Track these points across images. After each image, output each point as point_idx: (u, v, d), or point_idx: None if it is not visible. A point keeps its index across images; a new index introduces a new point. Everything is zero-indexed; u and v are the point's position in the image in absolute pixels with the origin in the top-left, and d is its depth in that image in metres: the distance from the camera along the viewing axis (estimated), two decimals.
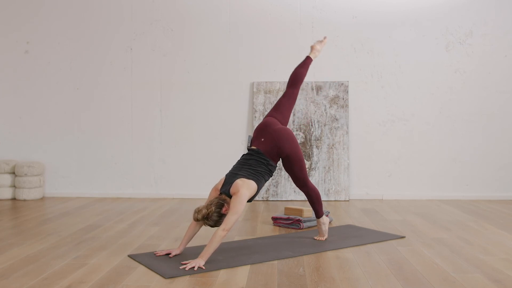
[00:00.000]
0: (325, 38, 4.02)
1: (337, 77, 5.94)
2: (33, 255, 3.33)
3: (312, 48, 3.95)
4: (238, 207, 3.12)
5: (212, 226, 3.22)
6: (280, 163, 4.55)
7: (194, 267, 2.97)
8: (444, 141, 5.91)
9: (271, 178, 3.57)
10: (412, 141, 5.92)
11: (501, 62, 5.86)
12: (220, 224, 3.18)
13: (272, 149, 3.43)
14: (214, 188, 3.37)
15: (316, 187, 4.29)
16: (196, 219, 3.17)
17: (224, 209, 3.18)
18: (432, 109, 5.91)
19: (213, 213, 3.15)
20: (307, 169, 3.66)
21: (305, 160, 3.62)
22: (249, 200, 3.30)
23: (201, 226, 3.36)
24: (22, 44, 6.12)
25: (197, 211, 3.18)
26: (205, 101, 6.02)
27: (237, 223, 4.44)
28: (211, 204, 3.18)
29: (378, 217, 4.74)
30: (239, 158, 3.55)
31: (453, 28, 5.87)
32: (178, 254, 3.29)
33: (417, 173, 5.91)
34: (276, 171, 5.78)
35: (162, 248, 3.53)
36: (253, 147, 3.48)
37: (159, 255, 3.29)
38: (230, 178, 3.32)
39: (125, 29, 6.05)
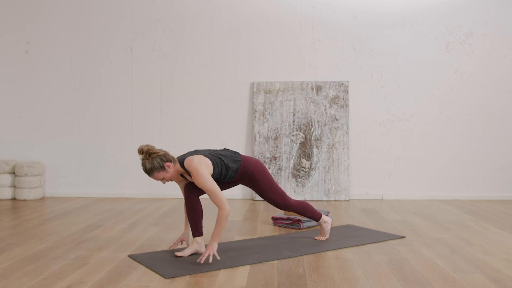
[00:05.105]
0: None
1: (337, 77, 5.94)
2: (33, 255, 3.33)
3: None
4: (210, 185, 3.08)
5: (145, 169, 3.12)
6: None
7: (209, 256, 3.03)
8: (444, 141, 5.90)
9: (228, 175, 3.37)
10: (412, 141, 5.92)
11: (501, 62, 5.86)
12: (152, 171, 3.11)
13: (249, 160, 3.41)
14: None
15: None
16: (141, 151, 3.11)
17: (167, 164, 3.14)
18: (432, 109, 5.91)
19: (158, 156, 3.12)
20: (283, 191, 3.61)
21: (278, 186, 3.54)
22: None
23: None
24: (22, 44, 6.12)
25: (147, 145, 3.15)
26: (205, 101, 6.02)
27: (237, 223, 4.45)
28: (165, 151, 3.17)
29: (378, 217, 4.74)
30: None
31: (453, 28, 5.87)
32: (183, 249, 3.38)
33: (417, 173, 5.91)
34: (276, 170, 5.78)
35: (162, 248, 3.53)
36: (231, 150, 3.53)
37: (173, 248, 3.42)
38: (190, 152, 3.33)
39: (125, 29, 6.05)
